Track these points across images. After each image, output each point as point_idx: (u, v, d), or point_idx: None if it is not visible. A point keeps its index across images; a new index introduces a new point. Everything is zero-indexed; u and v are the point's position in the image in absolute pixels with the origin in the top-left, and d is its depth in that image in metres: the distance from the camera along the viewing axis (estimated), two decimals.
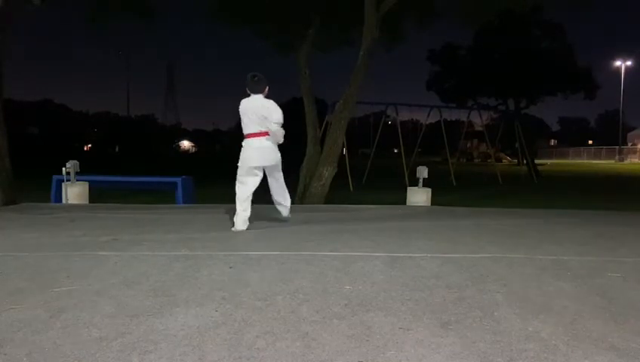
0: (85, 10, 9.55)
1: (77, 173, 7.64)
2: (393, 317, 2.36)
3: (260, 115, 4.73)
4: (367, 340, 2.08)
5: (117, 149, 72.22)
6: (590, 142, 66.98)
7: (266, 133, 4.75)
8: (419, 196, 7.87)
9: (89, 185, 7.79)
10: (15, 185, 7.26)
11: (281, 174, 5.01)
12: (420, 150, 23.69)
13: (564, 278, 3.14)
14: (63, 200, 7.52)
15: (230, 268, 3.29)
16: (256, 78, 4.82)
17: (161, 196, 9.72)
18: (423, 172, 8.01)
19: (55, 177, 8.34)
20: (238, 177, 4.81)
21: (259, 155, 4.78)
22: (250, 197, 4.82)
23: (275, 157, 4.86)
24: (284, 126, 4.86)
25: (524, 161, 22.85)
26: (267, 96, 4.87)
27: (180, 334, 2.13)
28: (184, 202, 8.49)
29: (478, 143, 45.37)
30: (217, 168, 26.93)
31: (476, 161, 43.63)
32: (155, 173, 13.32)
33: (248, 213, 4.83)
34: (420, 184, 7.97)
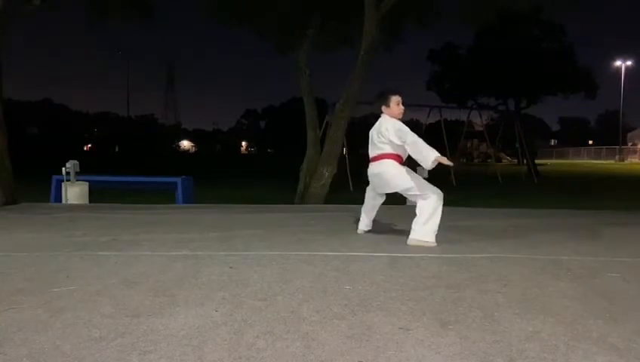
0: (85, 10, 9.56)
1: (77, 173, 7.64)
2: (393, 317, 2.36)
3: (377, 135, 4.35)
4: (367, 340, 2.08)
5: (117, 149, 72.20)
6: (590, 142, 67.00)
7: (382, 156, 4.35)
8: None
9: (89, 185, 7.79)
10: (15, 185, 7.26)
11: (417, 198, 4.28)
12: None
13: (564, 278, 3.14)
14: (63, 200, 7.53)
15: (230, 268, 3.29)
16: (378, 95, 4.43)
17: (161, 196, 9.72)
18: (423, 172, 8.00)
19: (55, 177, 8.34)
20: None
21: (372, 182, 4.53)
22: (370, 208, 4.72)
23: (393, 187, 4.34)
24: None
25: (524, 161, 22.86)
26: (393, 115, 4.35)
27: (180, 334, 2.13)
28: (184, 202, 8.50)
29: (478, 143, 45.39)
30: (217, 168, 26.94)
31: (476, 161, 43.64)
32: (155, 173, 13.32)
33: (362, 221, 4.76)
34: None
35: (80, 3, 9.93)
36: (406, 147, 4.20)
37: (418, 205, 4.19)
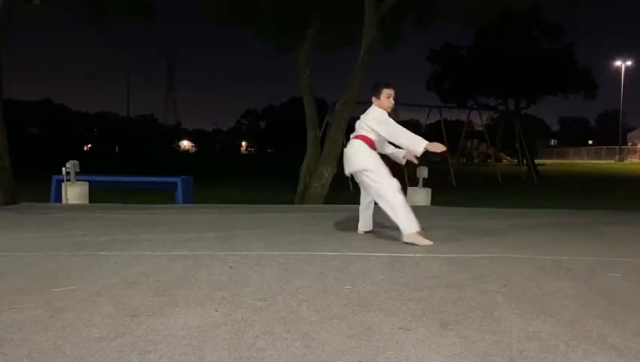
0: (85, 9, 9.56)
1: (77, 173, 7.64)
2: (393, 317, 2.36)
3: (359, 122, 4.38)
4: (367, 340, 2.08)
5: (117, 149, 72.20)
6: (590, 142, 66.99)
7: (355, 137, 4.35)
8: (419, 196, 7.87)
9: (89, 185, 7.79)
10: (15, 185, 7.26)
11: (372, 186, 4.23)
12: None
13: (564, 278, 3.14)
14: (63, 200, 7.52)
15: (230, 268, 3.29)
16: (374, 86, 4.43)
17: (161, 196, 9.73)
18: (423, 172, 8.02)
19: (55, 177, 8.35)
20: None
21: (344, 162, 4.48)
22: (365, 207, 4.59)
23: (353, 164, 4.31)
24: None
25: (524, 161, 22.87)
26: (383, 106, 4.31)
27: (180, 334, 2.13)
28: (184, 202, 8.50)
29: (478, 143, 45.36)
30: (217, 168, 26.95)
31: (476, 161, 43.64)
32: (155, 173, 13.32)
33: (361, 221, 4.65)
34: (420, 184, 7.97)
35: (80, 3, 9.93)
36: (393, 138, 4.19)
37: (384, 205, 4.15)
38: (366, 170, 4.22)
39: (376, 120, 4.21)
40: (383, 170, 4.19)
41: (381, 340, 2.09)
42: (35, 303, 2.52)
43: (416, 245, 4.04)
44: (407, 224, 4.08)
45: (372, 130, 4.24)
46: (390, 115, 4.32)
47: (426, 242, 4.07)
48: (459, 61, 26.77)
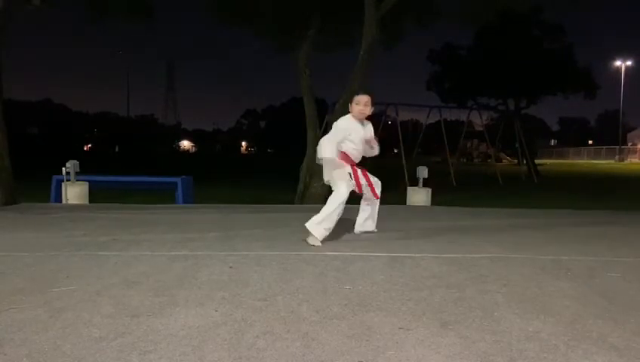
0: (85, 9, 9.57)
1: (77, 173, 7.64)
2: (393, 317, 2.36)
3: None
4: (367, 340, 2.08)
5: (117, 149, 72.22)
6: (590, 142, 67.06)
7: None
8: (419, 196, 7.88)
9: (89, 185, 7.79)
10: (15, 185, 7.26)
11: (334, 192, 4.34)
12: (419, 150, 23.71)
13: (564, 278, 3.14)
14: (63, 200, 7.53)
15: (230, 268, 3.29)
16: None
17: (161, 196, 9.73)
18: (422, 172, 8.02)
19: (55, 177, 8.35)
20: None
21: None
22: (363, 207, 4.71)
23: (323, 175, 4.49)
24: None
25: (524, 161, 22.88)
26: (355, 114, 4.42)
27: (180, 334, 2.13)
28: (184, 202, 8.50)
29: (478, 143, 45.38)
30: (217, 168, 26.97)
31: (476, 161, 43.66)
32: (155, 173, 13.32)
33: (358, 221, 4.73)
34: (420, 184, 7.97)
35: (80, 3, 9.94)
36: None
37: (328, 201, 4.27)
38: (329, 181, 4.43)
39: (334, 125, 4.41)
40: (342, 183, 4.30)
41: (381, 340, 2.09)
42: (35, 303, 2.52)
43: (307, 241, 4.13)
44: (319, 228, 4.14)
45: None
46: (375, 122, 4.35)
47: (317, 243, 4.12)
48: (459, 61, 26.79)
